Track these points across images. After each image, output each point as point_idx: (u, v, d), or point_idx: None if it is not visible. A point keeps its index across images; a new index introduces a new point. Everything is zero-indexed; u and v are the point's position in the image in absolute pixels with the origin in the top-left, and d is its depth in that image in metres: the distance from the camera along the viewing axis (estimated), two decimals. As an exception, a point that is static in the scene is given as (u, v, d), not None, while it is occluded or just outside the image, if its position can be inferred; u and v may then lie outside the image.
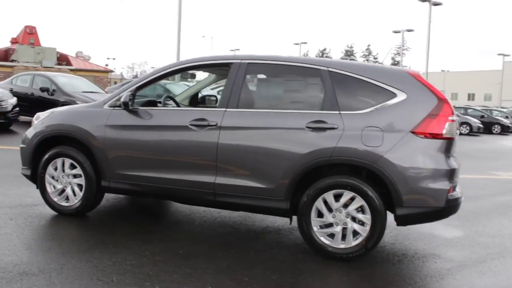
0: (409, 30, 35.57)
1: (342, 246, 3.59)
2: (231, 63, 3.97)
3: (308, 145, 3.58)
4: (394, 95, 3.57)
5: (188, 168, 3.91)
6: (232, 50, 61.03)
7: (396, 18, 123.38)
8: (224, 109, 3.84)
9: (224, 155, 3.78)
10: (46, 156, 4.38)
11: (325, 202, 3.61)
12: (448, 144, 3.52)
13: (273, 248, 3.87)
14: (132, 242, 3.76)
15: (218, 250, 3.72)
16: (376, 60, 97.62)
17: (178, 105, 4.81)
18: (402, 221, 3.55)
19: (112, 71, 35.42)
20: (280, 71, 3.95)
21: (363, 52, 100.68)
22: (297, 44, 54.46)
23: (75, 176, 4.33)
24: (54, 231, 4.03)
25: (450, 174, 3.49)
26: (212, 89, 13.30)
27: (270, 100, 4.02)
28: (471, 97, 72.97)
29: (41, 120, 4.48)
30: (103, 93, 12.13)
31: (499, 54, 47.62)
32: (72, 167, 4.32)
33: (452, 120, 3.52)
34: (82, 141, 4.22)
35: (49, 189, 4.42)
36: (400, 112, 3.52)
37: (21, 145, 4.60)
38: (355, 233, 3.57)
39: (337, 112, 3.60)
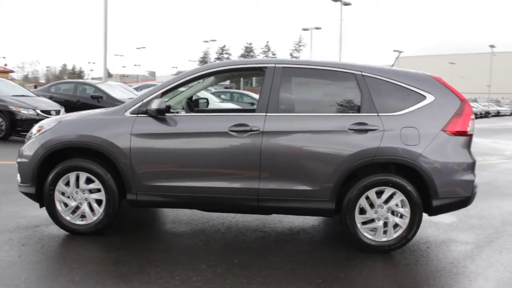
0: (317, 28, 37.72)
1: (384, 239, 3.83)
2: (265, 67, 3.96)
3: (353, 147, 3.75)
4: (424, 97, 3.89)
5: (229, 175, 3.83)
6: (138, 48, 58.90)
7: (295, 16, 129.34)
8: (264, 114, 3.83)
9: (268, 160, 3.78)
10: (56, 170, 3.94)
11: (367, 199, 3.82)
12: (470, 140, 3.94)
13: (316, 248, 3.99)
14: (180, 258, 3.59)
15: (267, 255, 3.72)
16: (275, 56, 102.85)
17: (192, 109, 4.64)
18: (435, 211, 3.90)
19: (12, 71, 31.86)
20: (316, 75, 4.05)
21: (262, 48, 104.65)
22: (207, 41, 54.50)
23: (91, 191, 3.97)
24: (85, 254, 3.66)
25: (474, 166, 3.93)
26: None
27: (308, 103, 4.10)
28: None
29: (46, 130, 4.01)
30: (35, 97, 10.95)
31: (395, 51, 52.88)
32: (89, 181, 3.96)
33: (473, 119, 3.96)
34: (103, 152, 3.88)
35: (59, 207, 3.99)
36: (431, 112, 3.85)
37: (20, 160, 4.07)
38: (395, 226, 3.83)
39: (375, 114, 3.82)
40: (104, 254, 3.63)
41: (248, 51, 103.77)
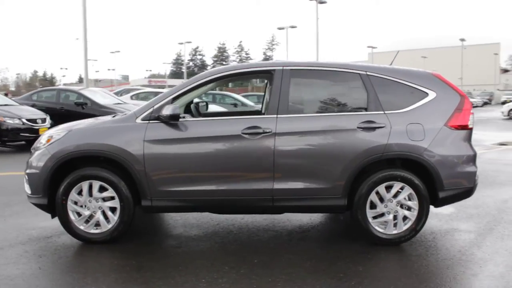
0: (292, 27, 38.02)
1: (394, 232, 3.97)
2: (274, 70, 4.05)
3: (363, 144, 3.87)
4: (426, 94, 4.05)
5: (243, 177, 3.90)
6: (112, 53, 58.25)
7: (268, 15, 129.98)
8: (275, 116, 3.92)
9: (281, 160, 3.87)
10: (68, 180, 3.93)
11: (377, 194, 3.96)
12: (471, 133, 4.13)
13: (329, 244, 4.10)
14: (200, 260, 3.65)
15: (285, 254, 3.81)
16: (248, 56, 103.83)
17: (199, 114, 4.68)
18: (441, 202, 4.07)
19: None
20: (322, 76, 4.16)
21: (235, 48, 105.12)
22: (182, 43, 54.19)
23: (104, 199, 3.97)
24: (105, 262, 3.66)
25: (475, 158, 4.12)
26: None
27: (316, 104, 4.18)
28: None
29: (56, 140, 3.98)
30: (18, 106, 10.71)
31: (368, 47, 54.30)
32: (102, 189, 3.96)
33: (472, 113, 4.14)
34: (117, 160, 3.89)
35: (73, 216, 3.98)
36: (434, 108, 4.02)
37: (29, 171, 4.03)
38: (405, 219, 3.98)
39: (382, 112, 3.96)
40: (124, 262, 3.64)
41: (222, 52, 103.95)
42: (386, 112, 3.96)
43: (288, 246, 4.02)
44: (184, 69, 62.58)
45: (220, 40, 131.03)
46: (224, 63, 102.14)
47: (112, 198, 3.96)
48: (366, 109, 3.99)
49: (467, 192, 4.11)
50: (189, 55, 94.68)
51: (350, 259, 3.68)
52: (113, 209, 3.98)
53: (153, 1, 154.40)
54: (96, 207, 3.97)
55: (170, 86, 53.06)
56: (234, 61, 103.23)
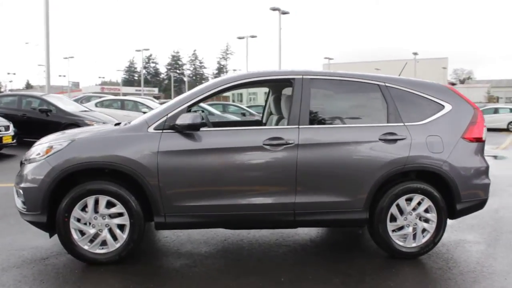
0: (252, 36, 38.23)
1: (413, 244, 3.92)
2: (294, 79, 3.91)
3: (385, 156, 3.80)
4: (442, 106, 4.06)
5: (265, 190, 3.71)
6: (66, 58, 56.04)
7: (223, 25, 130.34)
8: (297, 126, 3.77)
9: (303, 173, 3.71)
10: (71, 195, 3.56)
11: (397, 207, 3.90)
12: (484, 146, 4.19)
13: (348, 258, 3.97)
14: (223, 280, 3.41)
15: (308, 270, 3.65)
16: (202, 64, 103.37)
17: (208, 122, 4.43)
18: (458, 214, 4.07)
19: None
20: (342, 87, 4.06)
21: (189, 57, 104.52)
22: (139, 50, 52.98)
23: (111, 215, 3.63)
24: (118, 287, 3.32)
25: (488, 170, 4.17)
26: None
27: (337, 115, 4.06)
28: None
29: (58, 151, 3.60)
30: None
31: (325, 58, 55.80)
32: (109, 205, 3.62)
33: (485, 125, 4.20)
34: (127, 173, 3.57)
35: (75, 235, 3.60)
36: (451, 121, 4.03)
37: (25, 185, 3.61)
38: (423, 231, 3.94)
39: (402, 124, 3.92)
40: (141, 285, 3.31)
41: (176, 60, 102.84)
42: (406, 124, 3.92)
43: (307, 262, 3.86)
44: (138, 77, 60.94)
45: (174, 49, 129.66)
46: (178, 71, 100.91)
47: (121, 214, 3.63)
48: (386, 121, 3.94)
49: (482, 204, 4.14)
50: (143, 62, 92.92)
51: (376, 275, 3.58)
52: (121, 227, 3.65)
53: (106, 7, 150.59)
54: (102, 224, 3.62)
55: (124, 94, 51.46)
56: (188, 69, 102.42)
